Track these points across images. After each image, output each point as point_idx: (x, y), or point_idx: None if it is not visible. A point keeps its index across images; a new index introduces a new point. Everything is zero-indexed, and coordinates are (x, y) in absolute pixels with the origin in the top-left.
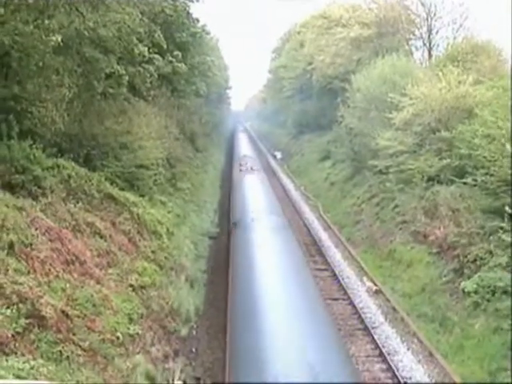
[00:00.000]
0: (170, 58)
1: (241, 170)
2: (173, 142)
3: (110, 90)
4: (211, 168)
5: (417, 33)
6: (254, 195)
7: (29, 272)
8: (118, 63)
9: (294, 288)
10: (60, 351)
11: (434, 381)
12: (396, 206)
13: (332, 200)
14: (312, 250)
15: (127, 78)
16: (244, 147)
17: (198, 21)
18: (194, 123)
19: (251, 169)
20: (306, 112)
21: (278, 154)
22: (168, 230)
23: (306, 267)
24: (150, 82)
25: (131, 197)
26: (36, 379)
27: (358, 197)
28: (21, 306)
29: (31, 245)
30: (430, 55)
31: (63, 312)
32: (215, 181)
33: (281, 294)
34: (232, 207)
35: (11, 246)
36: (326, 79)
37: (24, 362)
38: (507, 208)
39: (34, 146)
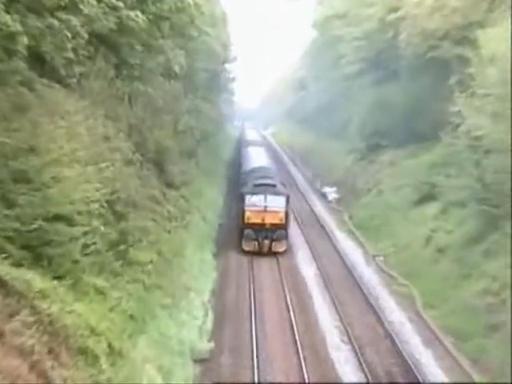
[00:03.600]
0: (114, 0)
1: (248, 145)
2: (121, 169)
3: None
4: (197, 219)
5: None
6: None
7: None
8: (7, 11)
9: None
10: None
11: None
12: None
13: (441, 283)
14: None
15: (26, 40)
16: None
17: None
18: (163, 130)
19: (254, 144)
20: (385, 106)
21: (331, 192)
22: (111, 345)
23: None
24: (74, 50)
25: (36, 279)
26: None
27: (494, 276)
28: None
29: None
30: None
31: None
32: (205, 244)
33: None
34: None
35: None
36: (427, 40)
37: None
38: None
39: None
